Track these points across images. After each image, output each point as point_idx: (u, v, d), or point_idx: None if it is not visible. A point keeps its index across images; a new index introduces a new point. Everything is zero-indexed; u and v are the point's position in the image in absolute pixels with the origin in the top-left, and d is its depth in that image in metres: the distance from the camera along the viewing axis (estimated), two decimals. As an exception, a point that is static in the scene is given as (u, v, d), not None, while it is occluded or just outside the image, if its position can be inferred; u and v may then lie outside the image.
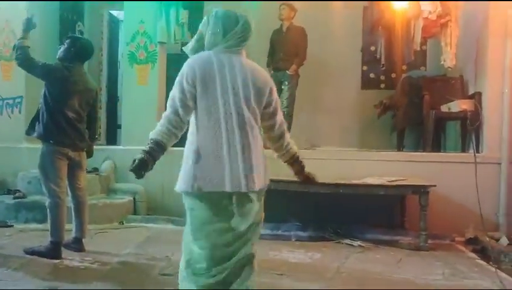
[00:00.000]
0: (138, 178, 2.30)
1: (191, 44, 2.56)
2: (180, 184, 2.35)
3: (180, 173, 2.38)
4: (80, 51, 4.21)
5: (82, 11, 7.93)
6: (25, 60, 4.03)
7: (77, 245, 4.17)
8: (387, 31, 6.37)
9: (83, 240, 4.24)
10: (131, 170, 2.28)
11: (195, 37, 2.56)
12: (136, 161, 2.29)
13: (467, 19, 5.95)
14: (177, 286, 2.48)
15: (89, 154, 4.38)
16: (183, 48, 2.72)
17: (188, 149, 2.38)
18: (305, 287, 3.38)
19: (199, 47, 2.52)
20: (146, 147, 2.33)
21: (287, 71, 6.25)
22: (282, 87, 6.32)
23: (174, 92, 2.38)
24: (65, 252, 4.05)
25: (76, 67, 4.19)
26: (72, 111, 4.06)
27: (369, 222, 5.22)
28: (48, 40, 6.97)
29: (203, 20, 2.55)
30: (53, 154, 4.01)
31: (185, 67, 2.39)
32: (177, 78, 2.40)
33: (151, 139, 2.35)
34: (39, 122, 4.07)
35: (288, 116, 6.36)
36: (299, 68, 6.39)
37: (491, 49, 5.41)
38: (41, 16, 6.72)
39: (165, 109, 2.42)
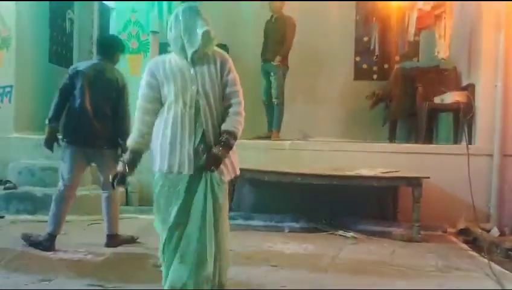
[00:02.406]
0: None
1: None
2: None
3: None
4: (97, 45, 4.45)
5: (72, -2, 7.81)
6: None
7: (107, 240, 4.14)
8: (382, 22, 6.37)
9: (112, 236, 4.14)
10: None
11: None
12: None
13: (460, 10, 5.94)
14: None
15: (122, 150, 3.96)
16: None
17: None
18: (300, 278, 3.38)
19: None
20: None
21: (272, 62, 6.27)
22: (270, 78, 6.34)
23: None
24: (58, 244, 4.01)
25: (97, 62, 4.16)
26: (88, 107, 3.96)
27: (361, 213, 5.23)
28: (38, 27, 6.87)
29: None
30: (67, 149, 4.01)
31: None
32: None
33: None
34: None
35: (278, 107, 6.37)
36: (285, 58, 6.38)
37: (484, 40, 5.41)
38: (32, 3, 6.64)
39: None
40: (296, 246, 4.30)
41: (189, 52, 2.62)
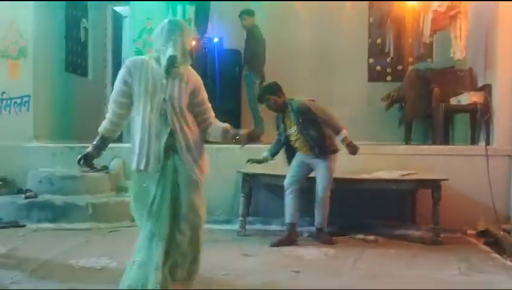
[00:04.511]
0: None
1: None
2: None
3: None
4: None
5: (86, 7, 7.90)
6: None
7: (316, 234, 4.62)
8: (396, 24, 6.35)
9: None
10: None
11: None
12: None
13: (476, 10, 5.90)
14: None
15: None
16: None
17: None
18: (323, 283, 3.38)
19: None
20: None
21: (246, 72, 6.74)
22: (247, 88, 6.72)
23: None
24: (80, 253, 4.06)
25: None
26: None
27: (380, 216, 5.21)
28: (54, 37, 6.97)
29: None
30: None
31: None
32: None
33: None
34: None
35: (254, 112, 6.54)
36: (258, 67, 6.71)
37: (500, 40, 5.38)
38: (49, 13, 6.73)
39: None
40: (316, 251, 4.29)
41: (162, 66, 2.81)
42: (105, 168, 5.96)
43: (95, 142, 2.89)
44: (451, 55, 5.88)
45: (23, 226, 5.15)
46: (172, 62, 2.78)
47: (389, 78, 7.77)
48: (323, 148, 4.49)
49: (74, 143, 6.52)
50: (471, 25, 5.84)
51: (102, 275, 3.55)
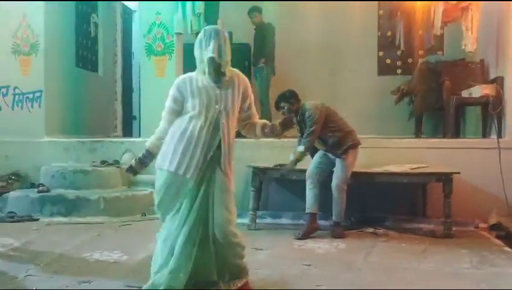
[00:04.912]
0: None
1: None
2: None
3: None
4: None
5: (96, 3, 7.93)
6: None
7: (332, 227, 4.68)
8: (406, 16, 6.30)
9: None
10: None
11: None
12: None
13: (488, 2, 5.84)
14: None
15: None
16: None
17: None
18: (335, 277, 3.39)
19: None
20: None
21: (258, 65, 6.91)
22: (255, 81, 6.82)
23: None
24: (92, 246, 4.10)
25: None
26: None
27: (391, 210, 5.21)
28: (64, 33, 7.01)
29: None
30: None
31: None
32: None
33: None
34: None
35: (264, 106, 6.61)
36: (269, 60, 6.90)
37: (512, 32, 5.33)
38: (59, 9, 6.77)
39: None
40: (327, 245, 4.31)
41: (206, 71, 2.84)
42: (116, 162, 6.02)
43: (140, 156, 2.98)
44: (463, 47, 5.83)
45: (37, 220, 5.23)
46: (212, 63, 2.79)
47: (399, 71, 7.73)
48: (335, 149, 4.60)
49: (85, 138, 6.59)
50: (482, 16, 5.78)
51: (115, 269, 3.59)
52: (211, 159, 2.82)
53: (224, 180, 2.85)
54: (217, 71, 2.81)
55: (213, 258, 2.89)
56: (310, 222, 4.62)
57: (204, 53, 2.83)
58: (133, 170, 3.02)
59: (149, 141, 2.97)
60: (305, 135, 4.55)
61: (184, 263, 2.78)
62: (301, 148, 4.55)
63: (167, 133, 2.87)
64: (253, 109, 3.06)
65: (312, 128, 4.49)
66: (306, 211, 4.65)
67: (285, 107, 4.63)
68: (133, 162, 3.03)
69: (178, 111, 2.87)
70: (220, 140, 2.82)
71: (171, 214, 2.86)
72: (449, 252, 4.08)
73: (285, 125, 3.12)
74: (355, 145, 4.64)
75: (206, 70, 2.83)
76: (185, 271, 2.78)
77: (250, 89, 3.03)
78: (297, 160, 4.59)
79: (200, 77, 2.88)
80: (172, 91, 2.90)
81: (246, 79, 3.01)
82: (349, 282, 3.28)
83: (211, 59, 2.79)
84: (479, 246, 4.24)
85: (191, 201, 2.82)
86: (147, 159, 2.98)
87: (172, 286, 2.77)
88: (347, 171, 4.60)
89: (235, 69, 2.97)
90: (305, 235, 4.53)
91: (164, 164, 2.83)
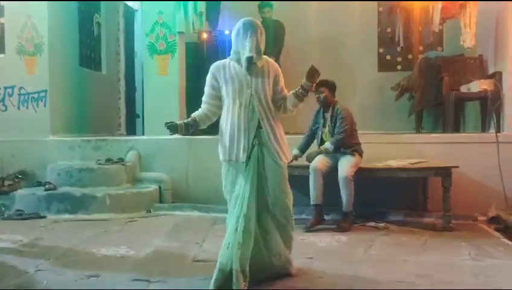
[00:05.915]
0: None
1: None
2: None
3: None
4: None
5: (98, 2, 8.00)
6: None
7: (341, 218, 4.81)
8: (406, 13, 6.37)
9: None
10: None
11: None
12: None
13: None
14: (211, 271, 3.00)
15: None
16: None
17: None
18: (337, 269, 3.48)
19: None
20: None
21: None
22: None
23: None
24: (99, 242, 4.20)
25: None
26: None
27: (391, 204, 5.28)
28: (68, 33, 7.09)
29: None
30: None
31: None
32: None
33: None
34: None
35: None
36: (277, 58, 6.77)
37: (510, 27, 5.39)
38: (62, 9, 6.85)
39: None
40: (328, 238, 4.39)
41: (243, 66, 3.13)
42: (121, 160, 6.10)
43: (185, 121, 3.22)
44: (461, 43, 5.90)
45: (44, 217, 5.33)
46: (249, 63, 3.09)
47: (399, 67, 7.80)
48: (345, 148, 4.82)
49: (90, 136, 6.69)
50: (480, 12, 5.85)
51: (123, 263, 3.68)
52: (258, 142, 3.10)
53: (272, 159, 3.11)
54: (250, 64, 3.09)
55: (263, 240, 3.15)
56: (316, 212, 4.74)
57: (240, 46, 3.11)
58: (174, 129, 3.16)
59: (196, 113, 3.24)
60: (336, 135, 4.79)
61: (245, 239, 2.95)
62: (330, 146, 4.78)
63: (210, 112, 3.21)
64: (285, 91, 3.28)
65: (344, 131, 4.76)
66: (311, 203, 4.76)
67: (323, 94, 4.88)
68: (179, 122, 3.21)
69: (216, 96, 3.20)
70: (259, 122, 3.09)
71: (233, 196, 3.09)
72: (448, 244, 4.15)
73: (312, 74, 3.20)
74: (361, 153, 4.90)
75: (243, 64, 3.10)
76: (246, 247, 2.95)
77: (280, 74, 3.28)
78: (320, 153, 4.85)
79: (232, 63, 3.17)
80: (208, 78, 3.21)
81: (276, 64, 3.29)
82: (350, 274, 3.37)
83: (249, 59, 3.07)
84: (477, 239, 4.31)
85: (246, 184, 3.04)
86: (189, 125, 3.20)
87: (238, 259, 2.90)
88: (353, 165, 4.74)
89: (265, 56, 3.21)
90: (313, 226, 4.67)
91: (220, 157, 3.18)
